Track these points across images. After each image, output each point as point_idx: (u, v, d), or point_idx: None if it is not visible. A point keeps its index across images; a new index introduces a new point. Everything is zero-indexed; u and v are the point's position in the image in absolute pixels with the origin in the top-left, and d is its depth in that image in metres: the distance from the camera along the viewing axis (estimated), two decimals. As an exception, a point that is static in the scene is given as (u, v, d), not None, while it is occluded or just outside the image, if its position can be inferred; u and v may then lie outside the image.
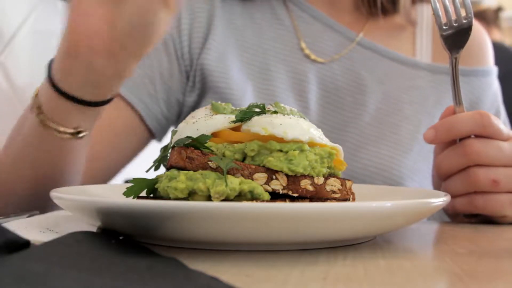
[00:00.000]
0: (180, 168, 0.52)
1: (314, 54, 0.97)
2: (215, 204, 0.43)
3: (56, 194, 0.53)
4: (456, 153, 0.69)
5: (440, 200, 0.52)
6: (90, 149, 0.77)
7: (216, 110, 0.58)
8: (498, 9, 3.40)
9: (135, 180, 0.55)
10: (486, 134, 0.68)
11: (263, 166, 0.52)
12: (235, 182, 0.49)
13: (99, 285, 0.32)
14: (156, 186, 0.54)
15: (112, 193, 0.62)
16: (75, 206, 0.51)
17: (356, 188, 0.58)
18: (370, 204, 0.46)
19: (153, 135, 0.96)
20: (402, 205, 0.48)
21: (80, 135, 0.68)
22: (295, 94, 0.95)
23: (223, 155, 0.53)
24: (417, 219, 0.54)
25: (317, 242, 0.49)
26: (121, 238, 0.45)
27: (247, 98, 0.92)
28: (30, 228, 0.55)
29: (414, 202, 0.49)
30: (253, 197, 0.50)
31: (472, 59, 1.01)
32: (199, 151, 0.52)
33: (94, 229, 0.51)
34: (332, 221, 0.45)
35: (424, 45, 1.02)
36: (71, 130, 0.67)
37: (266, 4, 1.01)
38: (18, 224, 0.57)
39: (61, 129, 0.66)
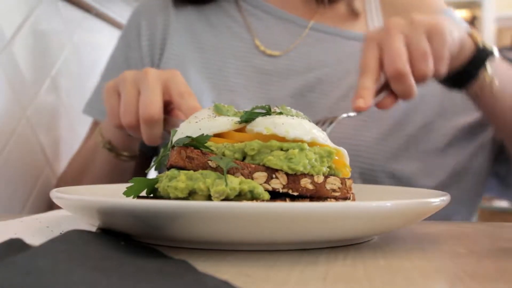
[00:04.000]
0: (180, 168, 0.52)
1: (269, 49, 1.01)
2: (215, 204, 0.43)
3: (56, 194, 0.53)
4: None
5: (440, 200, 0.52)
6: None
7: (218, 112, 0.58)
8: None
9: (135, 180, 0.55)
10: (383, 38, 0.76)
11: (263, 165, 0.52)
12: (235, 182, 0.49)
13: (106, 283, 0.32)
14: (156, 186, 0.54)
15: (112, 193, 0.62)
16: (75, 206, 0.51)
17: (356, 188, 0.58)
18: (370, 204, 0.46)
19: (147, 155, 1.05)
20: (402, 205, 0.48)
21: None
22: (255, 87, 0.97)
23: (223, 155, 0.53)
24: (417, 219, 0.54)
25: (317, 242, 0.49)
26: (122, 244, 0.45)
27: (205, 97, 0.95)
28: (31, 227, 0.55)
29: (414, 202, 0.49)
30: (253, 196, 0.50)
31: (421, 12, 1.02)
32: (199, 151, 0.52)
33: (94, 229, 0.51)
34: (332, 221, 0.45)
35: (376, 24, 1.04)
36: (132, 154, 0.93)
37: (220, 6, 1.05)
38: (18, 223, 0.57)
39: (125, 153, 0.92)
